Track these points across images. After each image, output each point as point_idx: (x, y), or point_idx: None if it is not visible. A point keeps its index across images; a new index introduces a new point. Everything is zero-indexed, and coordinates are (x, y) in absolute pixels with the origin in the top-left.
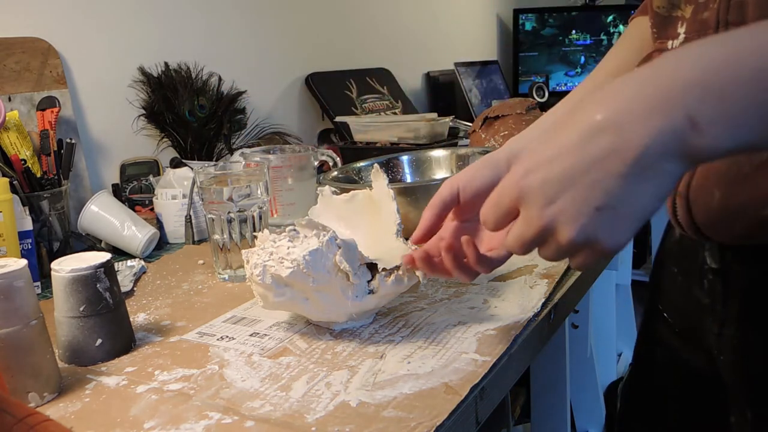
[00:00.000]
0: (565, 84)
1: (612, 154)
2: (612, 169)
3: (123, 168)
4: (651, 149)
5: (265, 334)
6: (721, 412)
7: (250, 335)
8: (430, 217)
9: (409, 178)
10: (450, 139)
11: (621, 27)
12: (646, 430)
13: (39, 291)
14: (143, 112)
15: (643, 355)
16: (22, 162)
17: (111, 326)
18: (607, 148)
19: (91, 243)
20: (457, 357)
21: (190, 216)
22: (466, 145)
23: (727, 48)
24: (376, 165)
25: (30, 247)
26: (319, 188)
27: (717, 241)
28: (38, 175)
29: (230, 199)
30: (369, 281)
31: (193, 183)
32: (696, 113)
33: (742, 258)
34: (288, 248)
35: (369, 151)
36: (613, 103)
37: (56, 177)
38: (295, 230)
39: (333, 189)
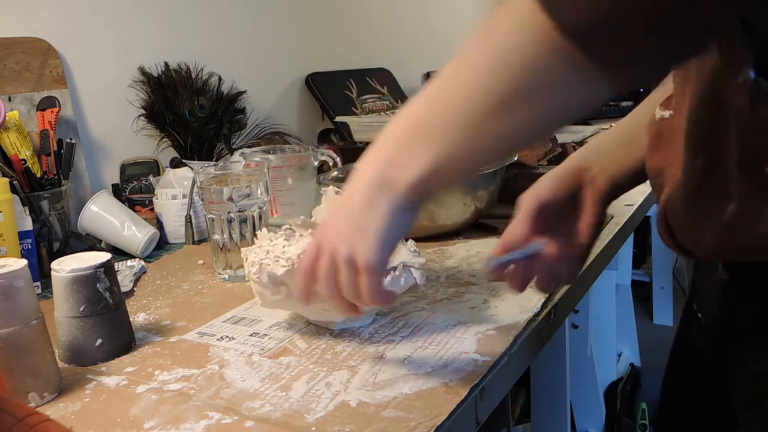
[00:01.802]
0: None
1: (353, 194)
2: (354, 203)
3: (123, 168)
4: (372, 186)
5: (265, 334)
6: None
7: (250, 335)
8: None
9: None
10: None
11: None
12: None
13: (39, 291)
14: (143, 112)
15: (676, 352)
16: (22, 162)
17: (111, 326)
18: (349, 192)
19: (91, 243)
20: (457, 357)
21: (190, 216)
22: None
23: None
24: None
25: (30, 247)
26: (322, 188)
27: (701, 257)
28: (38, 175)
29: (230, 199)
30: None
31: (193, 183)
32: (392, 156)
33: (752, 275)
34: (283, 247)
35: None
36: (363, 162)
37: (56, 177)
38: (291, 229)
39: (336, 189)
